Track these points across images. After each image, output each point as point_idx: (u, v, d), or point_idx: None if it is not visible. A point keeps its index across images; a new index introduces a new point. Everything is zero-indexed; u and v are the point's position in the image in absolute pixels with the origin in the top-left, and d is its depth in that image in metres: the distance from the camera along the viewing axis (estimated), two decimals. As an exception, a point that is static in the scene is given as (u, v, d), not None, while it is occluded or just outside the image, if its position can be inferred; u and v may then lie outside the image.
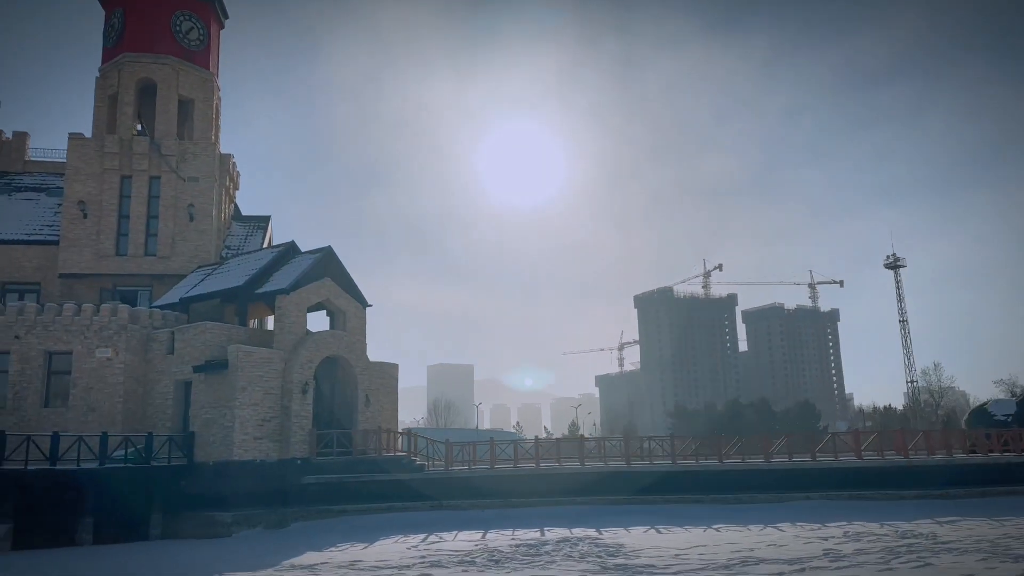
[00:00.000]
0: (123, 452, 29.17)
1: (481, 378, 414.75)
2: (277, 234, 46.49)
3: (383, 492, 31.50)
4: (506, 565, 17.91)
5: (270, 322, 40.61)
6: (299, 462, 31.45)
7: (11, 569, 22.16)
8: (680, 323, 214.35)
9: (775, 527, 24.79)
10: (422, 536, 24.94)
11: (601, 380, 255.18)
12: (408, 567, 18.23)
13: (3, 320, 31.55)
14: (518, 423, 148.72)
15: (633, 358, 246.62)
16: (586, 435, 60.13)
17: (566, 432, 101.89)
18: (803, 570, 16.59)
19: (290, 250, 36.51)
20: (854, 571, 16.33)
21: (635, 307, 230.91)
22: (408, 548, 22.08)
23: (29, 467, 26.77)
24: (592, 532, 24.17)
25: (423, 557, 19.84)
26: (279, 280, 34.19)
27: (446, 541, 23.53)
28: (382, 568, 18.31)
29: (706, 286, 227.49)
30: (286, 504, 30.83)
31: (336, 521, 30.19)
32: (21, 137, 44.20)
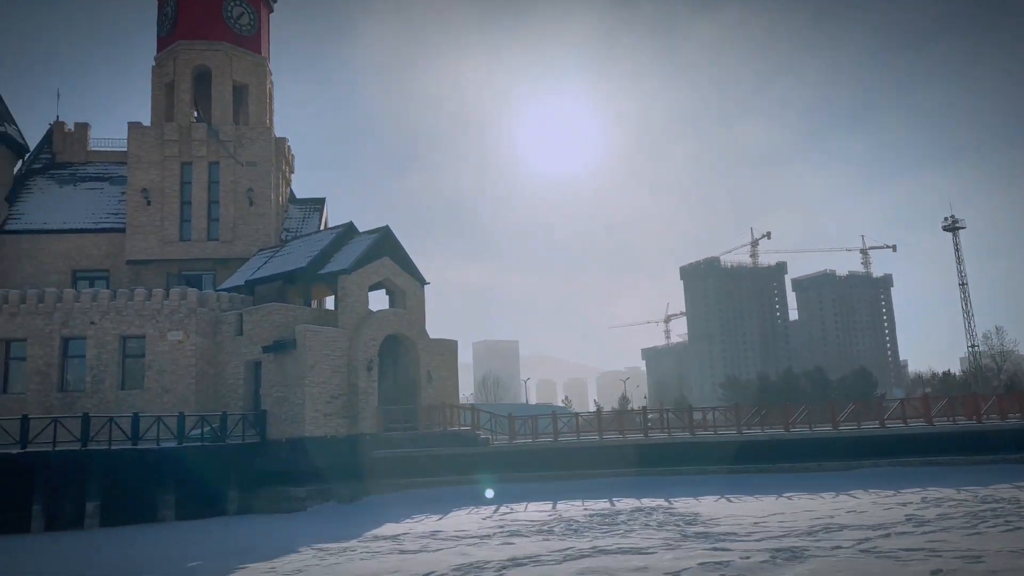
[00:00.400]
0: (199, 431, 30.12)
1: (526, 354, 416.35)
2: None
3: (450, 465, 32.02)
4: (585, 534, 18.11)
5: (329, 302, 41.35)
6: (368, 437, 32.13)
7: (102, 543, 23.14)
8: (728, 294, 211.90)
9: (848, 495, 24.57)
10: (493, 507, 25.33)
11: (647, 353, 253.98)
12: (488, 536, 18.55)
13: (78, 306, 32.64)
14: (567, 397, 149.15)
15: (680, 330, 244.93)
16: (635, 408, 60.17)
17: (615, 406, 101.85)
18: (888, 535, 16.45)
19: (349, 231, 37.01)
20: (942, 535, 16.14)
21: (681, 279, 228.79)
22: (483, 519, 22.45)
23: (113, 447, 27.88)
24: (662, 502, 24.26)
25: (501, 527, 20.16)
26: (340, 261, 34.72)
27: (518, 512, 23.86)
28: (463, 538, 18.66)
29: (754, 255, 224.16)
30: (357, 478, 31.55)
31: (405, 494, 30.81)
32: (82, 128, 45.31)
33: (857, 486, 26.49)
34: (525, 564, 14.42)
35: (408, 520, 23.42)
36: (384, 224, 36.52)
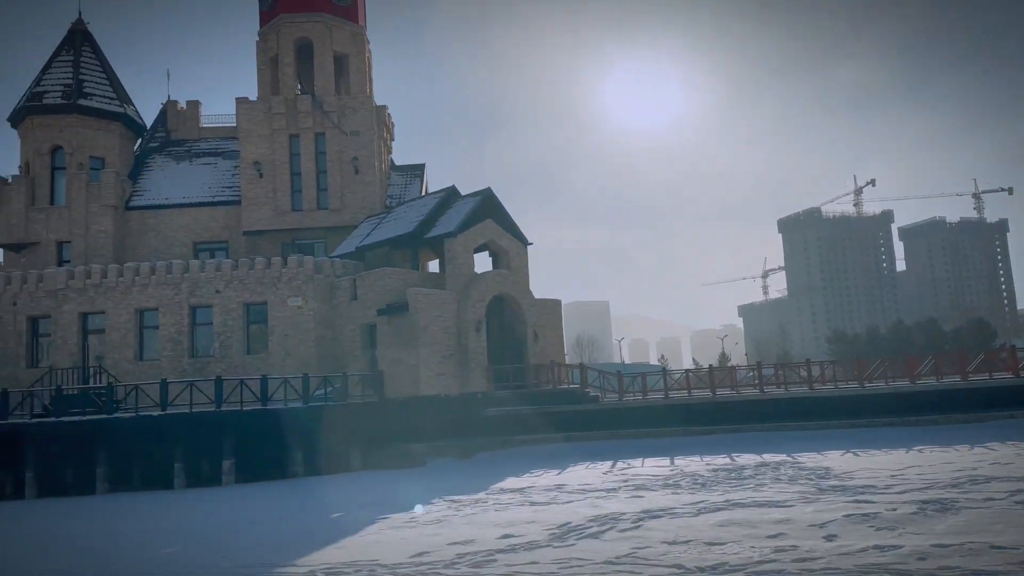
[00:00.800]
0: (322, 391, 31.47)
1: (618, 314, 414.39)
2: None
3: (559, 423, 32.35)
4: (714, 488, 17.97)
5: (432, 265, 42.12)
6: (479, 396, 32.81)
7: (241, 498, 24.60)
8: (830, 245, 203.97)
9: (985, 447, 23.42)
10: (609, 463, 25.43)
11: (744, 310, 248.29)
12: (615, 490, 18.68)
13: (204, 276, 34.40)
14: (663, 356, 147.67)
15: (779, 285, 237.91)
16: (737, 365, 59.10)
17: (714, 364, 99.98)
18: (1043, 488, 15.61)
19: (451, 195, 37.42)
20: (1104, 488, 15.20)
21: (779, 231, 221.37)
22: (603, 473, 22.60)
23: (245, 408, 29.48)
24: (785, 457, 23.78)
25: (625, 481, 20.25)
26: (445, 224, 35.21)
27: (635, 467, 23.87)
28: (589, 491, 18.85)
29: (857, 204, 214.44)
30: (469, 435, 32.32)
31: (518, 450, 31.37)
32: (194, 106, 47.25)
33: (993, 438, 25.22)
34: (660, 516, 14.46)
35: (528, 475, 23.84)
36: (485, 186, 36.78)
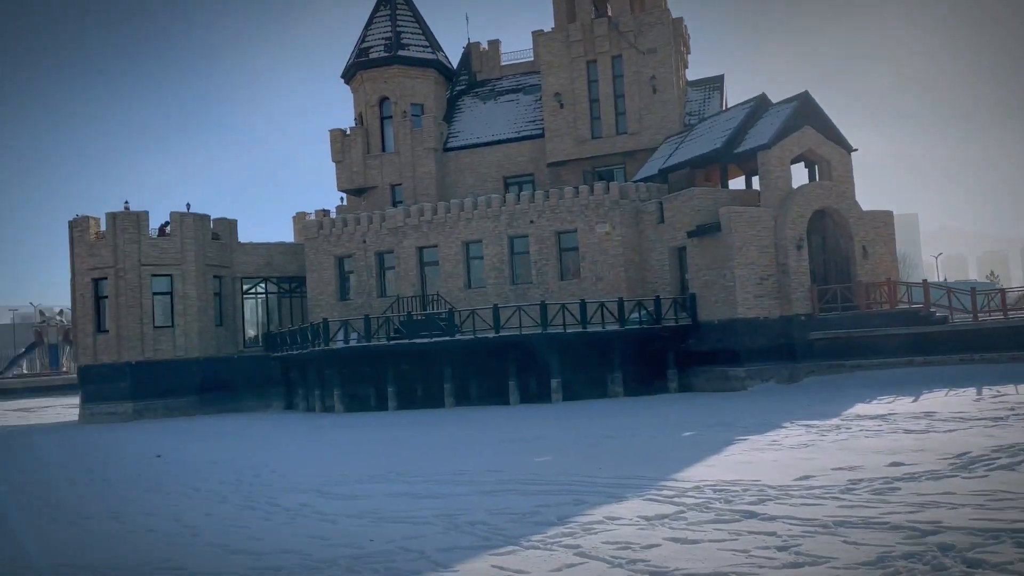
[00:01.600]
0: (637, 315, 31.82)
1: (928, 228, 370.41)
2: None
3: (900, 346, 29.40)
4: None
5: (735, 183, 40.01)
6: (802, 318, 30.93)
7: (573, 413, 25.85)
8: None
9: None
10: (973, 389, 22.59)
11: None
12: (1003, 419, 16.43)
13: (519, 208, 36.09)
14: (993, 272, 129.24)
15: None
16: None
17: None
18: None
19: (760, 105, 35.01)
20: None
21: None
22: (974, 400, 20.11)
23: (567, 330, 30.80)
24: None
25: (1010, 409, 17.75)
26: (757, 136, 33.12)
27: (1010, 394, 20.89)
28: (968, 419, 16.81)
29: None
30: (791, 360, 30.80)
31: (851, 376, 29.18)
32: (495, 45, 49.12)
33: None
34: (1090, 448, 12.37)
35: (876, 401, 22.04)
36: (802, 90, 33.84)
